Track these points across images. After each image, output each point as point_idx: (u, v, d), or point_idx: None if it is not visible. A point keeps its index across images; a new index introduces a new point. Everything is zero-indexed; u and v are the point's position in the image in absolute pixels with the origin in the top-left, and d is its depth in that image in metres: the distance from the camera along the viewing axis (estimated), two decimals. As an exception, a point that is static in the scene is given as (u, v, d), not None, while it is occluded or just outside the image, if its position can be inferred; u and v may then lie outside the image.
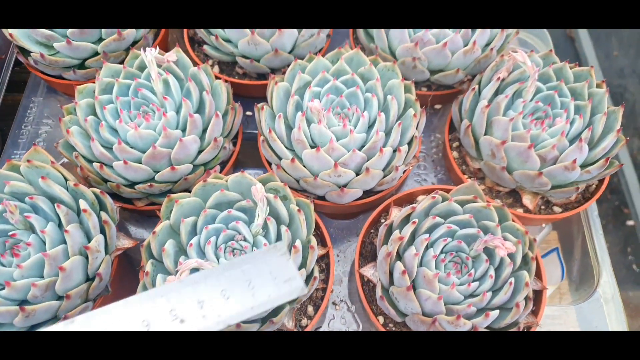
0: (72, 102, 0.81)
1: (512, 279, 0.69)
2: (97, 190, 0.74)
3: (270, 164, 0.85)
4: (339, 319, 0.81)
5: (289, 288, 0.56)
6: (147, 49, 0.79)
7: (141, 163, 0.76)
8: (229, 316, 0.52)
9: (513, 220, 0.74)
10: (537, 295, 0.75)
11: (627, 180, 2.57)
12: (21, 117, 0.97)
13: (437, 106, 1.00)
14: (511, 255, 0.70)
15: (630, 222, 2.49)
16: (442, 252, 0.72)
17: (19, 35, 0.87)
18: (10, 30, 0.86)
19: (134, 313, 0.50)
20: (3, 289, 0.66)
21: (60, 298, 0.68)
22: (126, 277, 0.83)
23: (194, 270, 0.68)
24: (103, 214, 0.73)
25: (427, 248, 0.72)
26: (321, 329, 0.79)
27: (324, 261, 0.78)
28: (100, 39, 0.90)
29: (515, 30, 0.92)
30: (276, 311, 0.68)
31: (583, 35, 3.24)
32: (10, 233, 0.69)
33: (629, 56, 3.19)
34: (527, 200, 0.83)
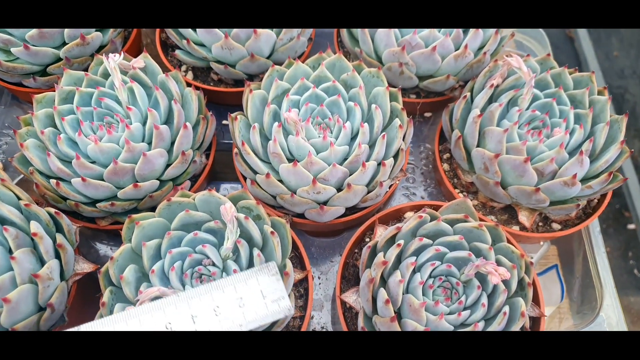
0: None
1: (507, 308, 0.63)
2: (52, 210, 0.67)
3: (245, 179, 0.78)
4: (319, 348, 0.74)
5: (277, 308, 0.59)
6: (110, 54, 0.73)
7: (102, 180, 0.70)
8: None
9: (508, 241, 0.68)
10: (535, 323, 0.69)
11: (628, 182, 2.51)
12: (-21, 128, 0.90)
13: (427, 114, 0.93)
14: (506, 281, 0.63)
15: (631, 226, 2.43)
16: (430, 276, 0.66)
17: (-27, 40, 0.80)
18: (-36, 34, 0.79)
19: (134, 323, 0.55)
20: (-58, 323, 0.59)
21: (7, 331, 0.61)
22: (90, 302, 0.76)
23: (157, 299, 0.62)
24: (59, 237, 0.66)
25: (413, 273, 0.65)
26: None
27: (302, 285, 0.72)
28: (63, 44, 0.83)
29: (510, 32, 0.86)
30: (246, 345, 0.61)
31: (583, 35, 3.18)
32: (-48, 259, 0.62)
33: (629, 57, 3.12)
34: (523, 217, 0.77)
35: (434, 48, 0.79)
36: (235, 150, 0.76)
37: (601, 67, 2.88)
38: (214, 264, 0.65)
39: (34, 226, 0.64)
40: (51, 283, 0.63)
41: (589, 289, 0.82)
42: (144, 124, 0.74)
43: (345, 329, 0.68)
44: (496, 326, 0.62)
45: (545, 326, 0.77)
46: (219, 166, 0.90)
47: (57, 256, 0.66)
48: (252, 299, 0.59)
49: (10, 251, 0.64)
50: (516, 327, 0.62)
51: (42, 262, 0.65)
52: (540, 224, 0.79)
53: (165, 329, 0.56)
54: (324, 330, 0.76)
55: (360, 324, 0.65)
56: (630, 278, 2.30)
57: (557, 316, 0.85)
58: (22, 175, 0.83)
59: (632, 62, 2.94)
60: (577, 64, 2.76)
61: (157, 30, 0.92)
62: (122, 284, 0.62)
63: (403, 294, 0.64)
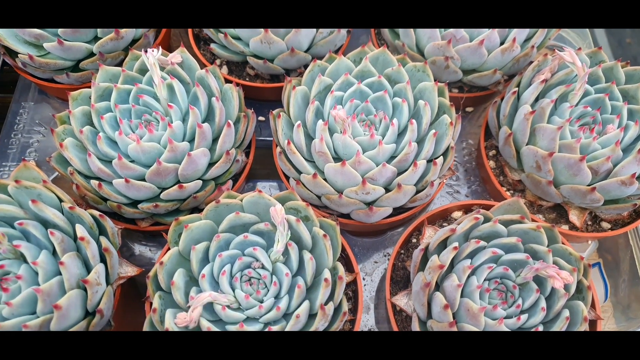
0: (66, 109, 0.72)
1: (567, 312, 0.61)
2: (96, 213, 0.65)
3: (287, 178, 0.76)
4: (367, 351, 0.73)
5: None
6: (149, 50, 0.70)
7: (144, 180, 0.68)
8: None
9: (563, 243, 0.66)
10: (591, 326, 0.67)
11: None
12: (10, 125, 0.88)
13: (469, 109, 0.91)
14: (565, 285, 0.62)
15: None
16: (485, 279, 0.64)
17: (5, 35, 0.78)
18: (-6, 28, 0.77)
19: None
20: (-10, 330, 0.57)
21: (55, 338, 0.60)
22: (130, 305, 0.75)
23: (208, 305, 0.61)
24: (103, 240, 0.64)
25: (469, 276, 0.64)
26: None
27: (350, 288, 0.70)
28: (96, 38, 0.81)
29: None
30: (301, 351, 0.60)
31: (596, 22, 3.10)
32: (-2, 264, 0.61)
33: (642, 43, 3.07)
34: (574, 217, 0.75)
35: (481, 41, 0.76)
36: (279, 149, 0.73)
37: (614, 54, 2.84)
38: (263, 267, 0.63)
39: (80, 230, 0.62)
40: (99, 288, 0.62)
41: (637, 290, 0.80)
42: (184, 121, 0.72)
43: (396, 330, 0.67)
44: (556, 328, 0.60)
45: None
46: (253, 163, 0.88)
47: (102, 260, 0.64)
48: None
49: (55, 254, 0.63)
50: (578, 329, 0.61)
51: (87, 267, 0.63)
52: (589, 222, 0.77)
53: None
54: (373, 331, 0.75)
55: (416, 329, 0.63)
56: None
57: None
58: (56, 174, 0.81)
59: (646, 49, 2.91)
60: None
61: (190, 23, 0.89)
62: (173, 289, 0.60)
63: (459, 298, 0.62)
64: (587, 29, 1.00)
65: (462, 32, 0.78)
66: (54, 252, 0.63)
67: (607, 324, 0.81)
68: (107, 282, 0.65)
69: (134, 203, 0.70)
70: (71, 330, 0.59)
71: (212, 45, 0.84)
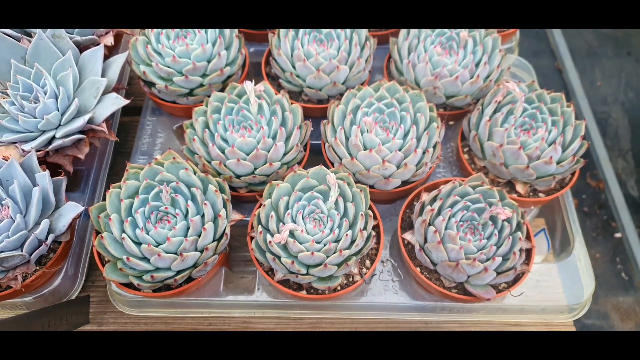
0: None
1: (510, 237, 1.00)
2: (220, 179, 1.05)
3: (332, 164, 1.16)
4: (386, 272, 1.11)
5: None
6: (246, 82, 1.12)
7: (246, 161, 1.08)
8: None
9: (509, 200, 1.06)
10: (528, 252, 1.05)
11: (614, 196, 2.90)
12: (141, 132, 1.29)
13: (451, 122, 1.33)
14: (509, 220, 1.01)
15: (617, 235, 2.81)
16: (460, 220, 1.03)
17: (148, 72, 1.20)
18: (143, 68, 1.19)
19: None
20: (163, 243, 0.96)
21: (198, 251, 0.98)
22: (235, 239, 1.13)
23: (290, 232, 1.00)
24: (223, 195, 1.04)
25: (450, 217, 1.03)
26: (374, 277, 1.10)
27: (375, 230, 1.09)
28: (204, 75, 1.23)
29: (507, 67, 1.26)
30: (348, 259, 0.98)
31: (569, 67, 3.63)
32: (163, 207, 1.00)
33: (611, 85, 3.58)
34: (519, 188, 1.14)
35: (457, 77, 1.19)
36: (327, 145, 1.14)
37: (587, 95, 3.29)
38: (322, 212, 1.02)
39: (211, 187, 1.02)
40: (224, 222, 1.01)
41: (565, 241, 1.19)
42: (269, 126, 1.13)
43: (405, 255, 1.05)
44: (504, 248, 0.99)
45: (536, 268, 1.13)
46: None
47: (224, 207, 1.04)
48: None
49: (194, 202, 1.02)
50: (516, 249, 0.99)
51: (214, 210, 1.03)
52: (530, 193, 1.17)
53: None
54: (388, 260, 1.13)
55: (418, 248, 1.02)
56: (617, 280, 2.65)
57: (544, 262, 1.22)
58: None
59: (614, 90, 3.36)
60: (565, 93, 3.19)
61: (263, 64, 1.32)
62: (270, 221, 0.99)
63: (444, 229, 1.01)
64: (533, 70, 1.44)
65: (445, 72, 1.20)
66: (193, 201, 1.03)
67: (548, 264, 1.19)
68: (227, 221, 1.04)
69: (238, 176, 1.10)
70: (208, 245, 0.98)
71: (280, 81, 1.27)
